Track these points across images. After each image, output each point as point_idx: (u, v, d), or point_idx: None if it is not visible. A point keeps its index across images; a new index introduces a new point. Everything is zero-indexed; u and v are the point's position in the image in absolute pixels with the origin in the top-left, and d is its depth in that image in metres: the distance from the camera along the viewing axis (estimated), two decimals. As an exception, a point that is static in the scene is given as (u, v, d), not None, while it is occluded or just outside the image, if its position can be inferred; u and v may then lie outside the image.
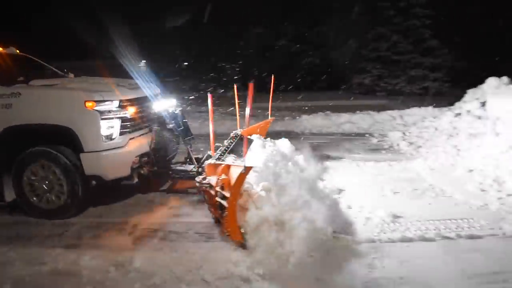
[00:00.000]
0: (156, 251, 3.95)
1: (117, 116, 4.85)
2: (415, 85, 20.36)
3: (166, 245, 4.08)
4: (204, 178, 4.49)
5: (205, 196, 4.57)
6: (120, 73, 6.22)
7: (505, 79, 8.01)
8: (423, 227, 4.26)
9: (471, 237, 4.03)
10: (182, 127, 5.59)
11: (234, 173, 3.98)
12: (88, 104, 4.66)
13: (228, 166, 4.31)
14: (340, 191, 5.42)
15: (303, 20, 23.04)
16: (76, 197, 4.80)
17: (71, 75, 6.60)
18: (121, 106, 4.92)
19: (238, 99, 6.07)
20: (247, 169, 3.66)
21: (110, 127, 4.79)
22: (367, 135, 9.77)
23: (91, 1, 19.50)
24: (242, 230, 3.82)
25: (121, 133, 4.90)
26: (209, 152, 5.26)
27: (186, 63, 23.19)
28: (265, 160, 4.44)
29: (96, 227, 4.61)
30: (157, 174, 5.45)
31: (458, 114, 7.96)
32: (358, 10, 21.25)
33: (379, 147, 8.51)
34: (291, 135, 9.15)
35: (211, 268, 3.55)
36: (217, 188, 4.12)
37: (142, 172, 5.31)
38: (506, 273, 3.39)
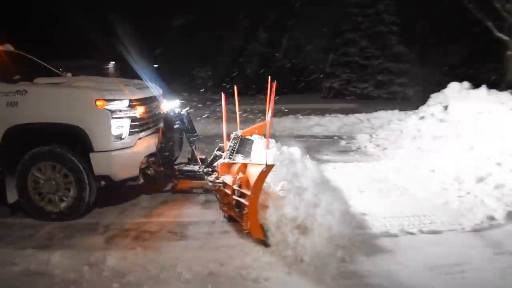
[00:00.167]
0: (129, 250, 3.97)
1: (127, 116, 4.78)
2: (383, 89, 20.93)
3: (139, 244, 4.10)
4: (217, 178, 4.58)
5: (218, 195, 4.66)
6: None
7: (466, 84, 8.39)
8: (387, 223, 4.45)
9: (433, 232, 4.26)
10: (188, 128, 5.62)
11: (252, 171, 4.07)
12: (99, 103, 4.58)
13: (245, 165, 4.39)
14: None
15: (275, 26, 23.33)
16: (84, 198, 4.71)
17: (69, 74, 6.43)
18: (131, 106, 4.85)
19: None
20: (269, 167, 3.75)
21: (120, 127, 4.71)
22: (336, 137, 10.03)
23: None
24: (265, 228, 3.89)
25: (130, 133, 4.83)
26: (216, 152, 5.42)
27: (156, 65, 23.04)
28: (280, 160, 4.56)
29: (67, 227, 4.58)
30: (164, 174, 5.44)
31: (422, 117, 8.30)
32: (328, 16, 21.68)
33: (347, 149, 8.75)
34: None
35: (186, 266, 3.60)
36: (235, 187, 4.21)
37: (149, 172, 5.28)
38: (465, 265, 3.60)
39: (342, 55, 21.65)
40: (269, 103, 3.67)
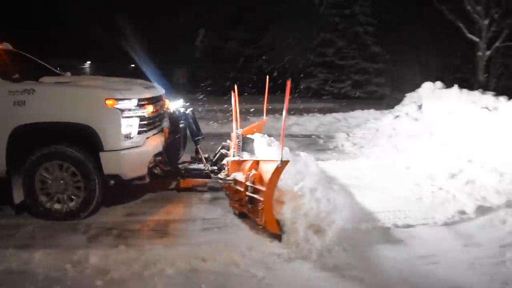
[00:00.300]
0: (111, 248, 4.01)
1: (136, 115, 4.76)
2: (359, 89, 21.32)
3: (121, 242, 4.13)
4: (227, 175, 4.66)
5: (228, 192, 4.77)
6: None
7: (438, 84, 8.70)
8: (363, 218, 4.61)
9: (407, 226, 4.45)
10: (193, 126, 5.67)
11: (266, 168, 4.17)
12: (109, 102, 4.55)
13: (257, 162, 4.48)
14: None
15: (253, 25, 23.44)
16: (93, 198, 4.69)
17: (68, 73, 6.35)
18: (139, 105, 4.84)
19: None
20: (284, 163, 3.83)
21: (129, 126, 4.69)
22: (313, 136, 10.20)
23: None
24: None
25: (139, 132, 4.82)
26: (222, 151, 5.59)
27: (133, 65, 22.89)
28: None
29: (49, 227, 4.57)
30: (170, 173, 5.47)
31: (397, 117, 8.55)
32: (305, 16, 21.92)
33: (325, 148, 8.93)
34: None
35: (169, 263, 3.66)
36: (248, 183, 4.30)
37: (156, 171, 5.30)
38: (436, 256, 3.80)
39: (319, 55, 21.95)
40: (286, 103, 3.84)
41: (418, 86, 8.97)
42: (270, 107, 7.04)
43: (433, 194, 5.33)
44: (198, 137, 5.70)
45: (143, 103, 4.91)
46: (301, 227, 3.93)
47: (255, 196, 4.21)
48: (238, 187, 4.56)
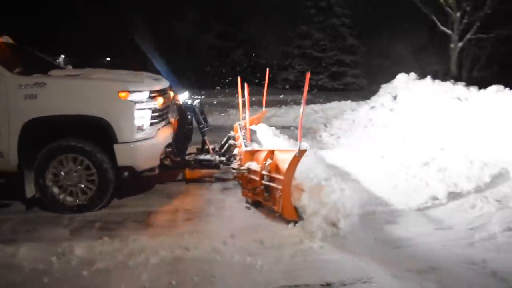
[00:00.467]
0: (95, 240, 4.05)
1: (148, 107, 4.79)
2: (337, 81, 21.58)
3: (104, 234, 4.17)
4: (240, 165, 4.80)
5: (241, 181, 4.90)
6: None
7: (412, 75, 8.94)
8: (341, 206, 4.76)
9: (383, 212, 4.66)
10: (200, 118, 5.77)
11: (282, 157, 4.32)
12: (122, 94, 4.56)
13: (272, 151, 4.60)
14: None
15: (230, 18, 23.39)
16: (106, 190, 4.72)
17: (69, 67, 6.29)
18: (150, 97, 4.86)
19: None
20: (302, 152, 3.98)
21: (142, 118, 4.72)
22: (292, 128, 10.33)
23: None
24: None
25: (151, 124, 4.85)
26: (230, 142, 5.77)
27: (108, 59, 22.60)
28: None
29: (31, 221, 4.56)
30: (180, 164, 5.54)
31: (373, 107, 8.77)
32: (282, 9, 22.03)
33: (303, 139, 9.06)
34: (220, 130, 9.44)
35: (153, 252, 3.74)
36: (264, 172, 4.44)
37: (166, 162, 5.35)
38: (411, 240, 4.01)
39: (296, 47, 22.10)
40: (304, 94, 4.03)
41: (393, 77, 9.20)
42: (253, 99, 7.14)
43: (407, 181, 5.53)
44: (205, 128, 5.83)
45: (154, 95, 4.95)
46: (319, 214, 4.13)
47: (272, 184, 4.35)
48: (253, 176, 4.69)
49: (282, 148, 4.71)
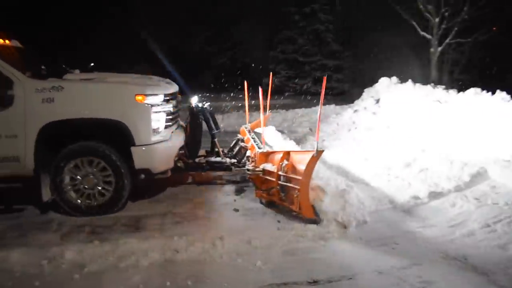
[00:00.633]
0: (85, 244, 4.08)
1: (163, 110, 4.85)
2: (320, 85, 21.78)
3: (94, 238, 4.19)
4: (256, 166, 4.91)
5: (255, 183, 5.00)
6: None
7: (394, 79, 9.14)
8: (328, 207, 4.88)
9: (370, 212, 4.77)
10: (210, 121, 5.87)
11: (299, 158, 4.44)
12: (138, 97, 4.62)
13: (288, 153, 4.70)
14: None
15: (215, 23, 23.45)
16: (123, 192, 4.75)
17: (77, 71, 6.32)
18: (165, 100, 4.92)
19: None
20: (319, 153, 4.10)
21: (157, 121, 4.78)
22: (285, 132, 10.47)
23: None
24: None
25: (165, 127, 4.91)
26: (241, 144, 5.89)
27: (92, 64, 22.43)
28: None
29: (20, 226, 4.57)
30: (192, 166, 5.62)
31: (356, 111, 8.92)
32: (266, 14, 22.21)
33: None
34: (206, 134, 9.51)
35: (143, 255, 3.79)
36: (281, 173, 4.54)
37: (179, 164, 5.40)
38: (395, 237, 4.16)
39: (281, 52, 22.29)
40: (321, 98, 4.14)
41: (376, 81, 9.39)
42: (235, 105, 7.25)
43: (389, 183, 5.68)
44: (215, 131, 5.93)
45: (168, 98, 5.03)
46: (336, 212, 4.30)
47: (290, 184, 4.45)
48: (268, 177, 4.79)
49: (297, 149, 4.82)
